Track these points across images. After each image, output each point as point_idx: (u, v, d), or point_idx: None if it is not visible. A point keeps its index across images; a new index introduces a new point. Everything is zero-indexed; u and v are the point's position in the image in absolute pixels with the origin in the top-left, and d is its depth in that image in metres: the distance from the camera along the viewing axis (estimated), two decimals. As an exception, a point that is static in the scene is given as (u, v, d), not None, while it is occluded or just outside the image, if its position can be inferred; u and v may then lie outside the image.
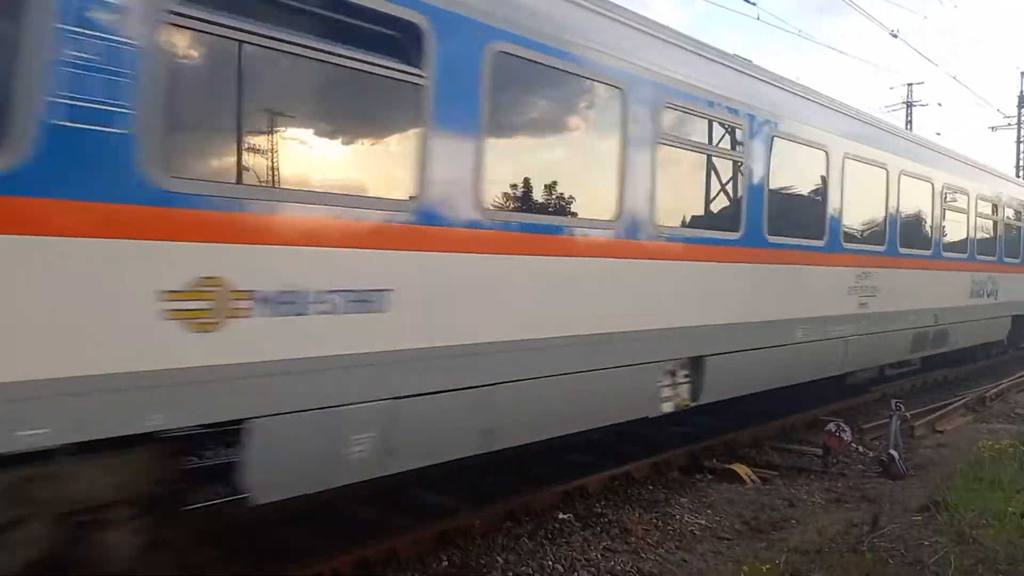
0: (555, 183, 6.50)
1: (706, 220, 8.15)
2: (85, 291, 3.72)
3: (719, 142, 8.18)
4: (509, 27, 5.74)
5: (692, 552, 6.39)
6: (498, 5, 5.70)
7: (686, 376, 7.67)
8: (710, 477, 8.45)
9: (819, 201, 9.78)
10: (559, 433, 6.54)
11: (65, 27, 3.64)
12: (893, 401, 9.54)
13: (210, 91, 4.51)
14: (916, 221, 12.48)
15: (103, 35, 3.75)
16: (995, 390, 14.04)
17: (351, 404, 4.80)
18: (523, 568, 5.90)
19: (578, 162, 6.90)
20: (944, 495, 7.26)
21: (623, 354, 6.77)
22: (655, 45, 7.32)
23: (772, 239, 8.60)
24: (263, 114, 4.68)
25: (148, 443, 4.20)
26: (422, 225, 5.21)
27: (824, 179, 9.82)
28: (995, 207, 15.85)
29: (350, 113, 5.24)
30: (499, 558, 6.04)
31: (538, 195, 6.33)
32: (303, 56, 4.57)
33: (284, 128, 4.75)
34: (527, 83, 6.31)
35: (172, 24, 4.00)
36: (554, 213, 6.38)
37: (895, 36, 22.58)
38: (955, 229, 14.00)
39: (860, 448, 9.62)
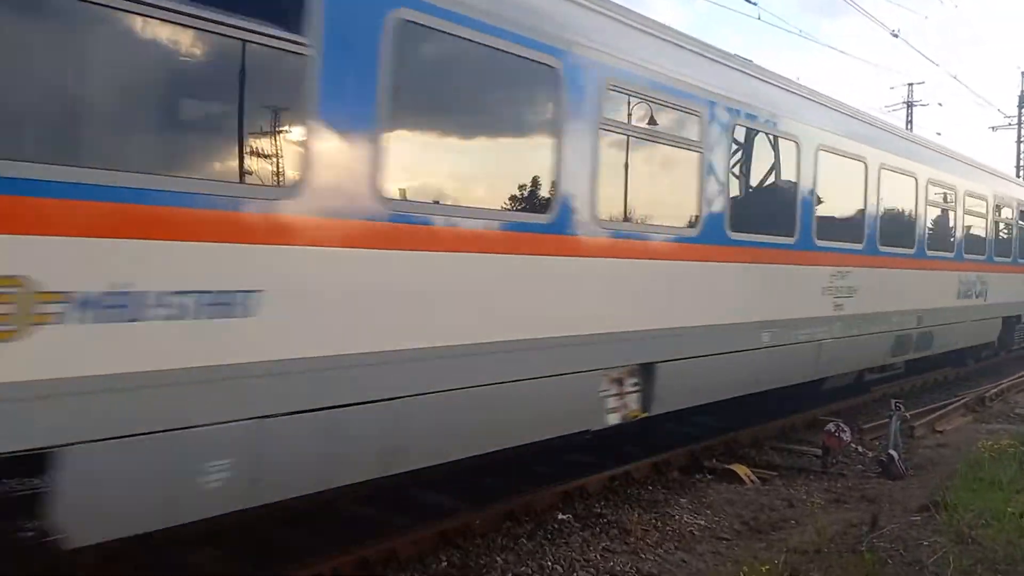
0: (473, 171, 5.97)
1: (658, 215, 7.49)
2: None
3: (674, 129, 7.54)
4: None
5: (691, 552, 6.39)
6: None
7: (635, 385, 7.10)
8: (710, 477, 8.46)
9: (790, 196, 9.19)
10: (479, 451, 5.89)
11: None
12: (893, 401, 9.56)
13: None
14: (898, 218, 11.96)
15: None
16: (995, 390, 14.05)
17: (202, 426, 4.09)
18: (522, 568, 5.91)
19: (502, 149, 6.30)
20: (943, 495, 7.26)
21: (555, 362, 6.13)
22: (596, 19, 6.65)
23: (735, 236, 8.04)
24: (112, 84, 4.03)
25: None
26: (304, 216, 4.49)
27: (795, 173, 9.23)
28: (984, 204, 15.29)
29: (202, 82, 4.42)
30: (498, 558, 6.05)
31: (452, 185, 5.72)
32: (154, 18, 3.90)
33: (127, 100, 4.11)
34: (440, 57, 5.53)
35: None
36: (471, 204, 5.69)
37: (896, 36, 22.62)
38: (941, 227, 13.48)
39: (860, 448, 9.63)
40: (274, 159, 4.54)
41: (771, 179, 9.26)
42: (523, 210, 6.07)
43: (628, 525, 6.75)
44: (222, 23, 4.09)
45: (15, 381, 3.46)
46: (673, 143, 7.53)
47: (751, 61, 9.04)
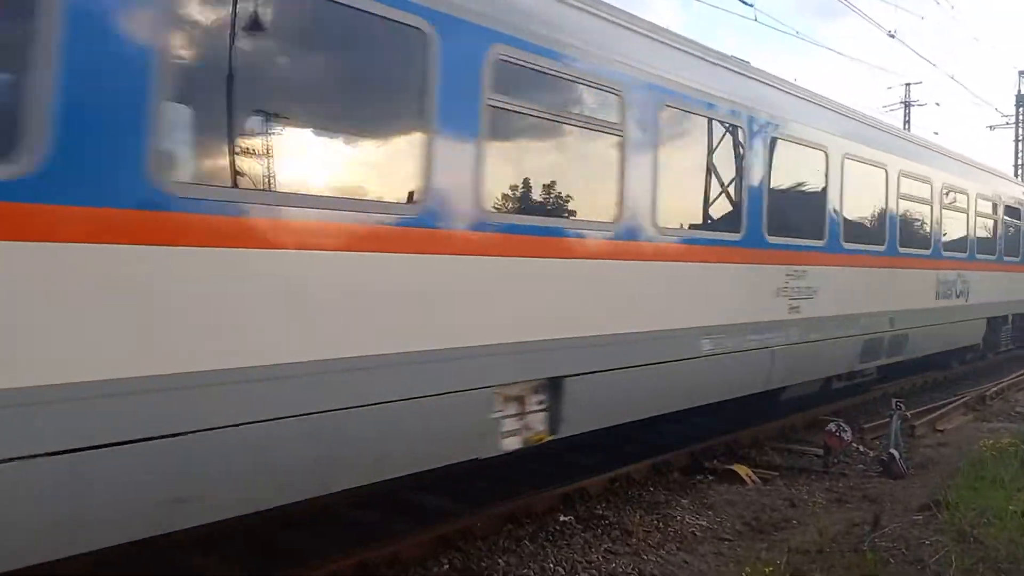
0: (315, 152, 5.09)
1: (567, 207, 6.58)
2: None
3: (588, 110, 6.63)
4: None
5: (693, 553, 6.38)
6: None
7: (540, 403, 6.19)
8: (711, 478, 8.45)
9: (736, 187, 8.30)
10: (314, 494, 4.89)
11: None
12: (894, 400, 9.56)
13: None
14: (865, 213, 11.09)
15: None
16: (995, 389, 14.05)
17: None
18: (524, 571, 5.90)
19: (351, 122, 5.28)
20: (945, 494, 7.26)
21: (419, 381, 5.13)
22: None
23: (667, 231, 7.21)
24: None
25: None
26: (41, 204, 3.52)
27: (742, 162, 8.33)
28: (966, 199, 14.40)
29: None
30: (500, 560, 6.04)
31: (278, 166, 4.64)
32: None
33: None
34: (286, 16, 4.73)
35: None
36: (309, 192, 4.72)
37: (893, 36, 22.55)
38: (916, 223, 12.60)
39: (861, 448, 9.62)
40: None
41: (713, 168, 8.30)
42: (379, 198, 5.16)
43: (630, 526, 6.75)
44: None
45: None
46: (584, 125, 6.60)
47: (678, 35, 7.93)
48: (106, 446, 3.71)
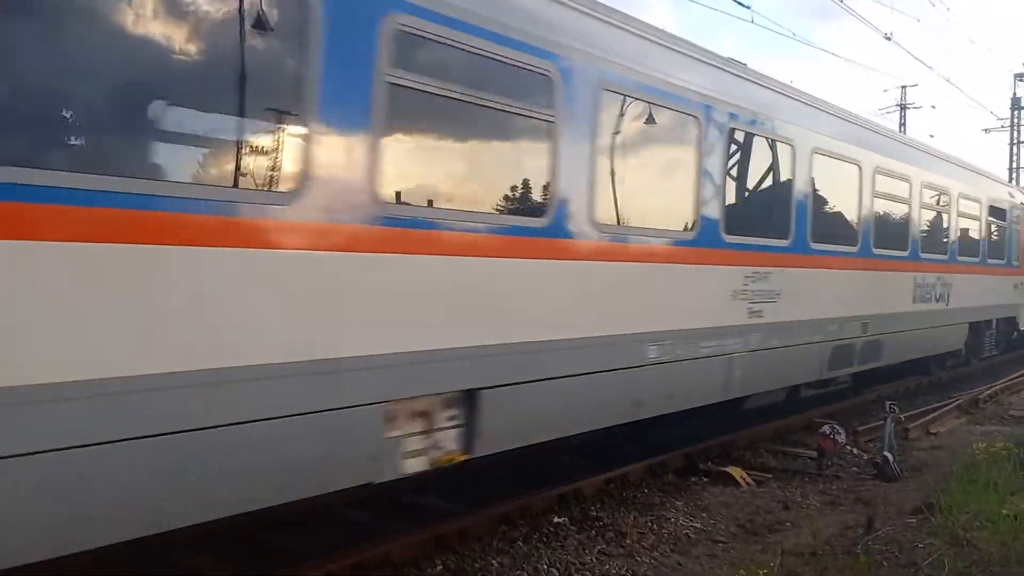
0: (164, 129, 4.40)
1: (483, 200, 5.93)
2: None
3: (512, 93, 5.86)
4: None
5: (687, 555, 6.39)
6: None
7: (452, 419, 5.55)
8: (705, 480, 8.45)
9: (687, 183, 7.61)
10: (163, 528, 4.26)
11: None
12: (887, 403, 9.59)
13: None
14: (836, 212, 10.45)
15: None
16: (989, 392, 14.09)
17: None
18: (518, 572, 5.90)
19: (212, 96, 4.47)
20: (938, 497, 7.27)
21: (283, 397, 4.44)
22: None
23: (606, 229, 6.61)
24: None
25: None
26: None
27: (694, 154, 7.66)
28: (947, 198, 13.74)
29: None
30: (494, 561, 6.04)
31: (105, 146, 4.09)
32: None
33: None
34: None
35: None
36: (152, 179, 4.08)
37: (889, 39, 22.58)
38: (892, 222, 11.90)
39: (854, 450, 9.64)
40: None
41: (663, 160, 7.76)
42: (248, 187, 4.42)
43: (624, 528, 6.75)
44: None
45: None
46: (509, 109, 5.85)
47: (614, 9, 7.09)
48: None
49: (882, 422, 9.28)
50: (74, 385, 3.65)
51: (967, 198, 14.60)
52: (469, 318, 5.53)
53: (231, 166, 4.49)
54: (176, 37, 4.18)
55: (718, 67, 8.34)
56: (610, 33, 6.87)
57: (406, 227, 5.11)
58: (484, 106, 5.61)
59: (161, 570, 5.40)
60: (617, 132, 6.89)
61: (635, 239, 6.98)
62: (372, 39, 4.86)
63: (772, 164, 9.06)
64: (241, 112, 4.53)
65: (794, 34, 57.68)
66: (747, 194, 8.77)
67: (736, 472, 8.53)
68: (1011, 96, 39.09)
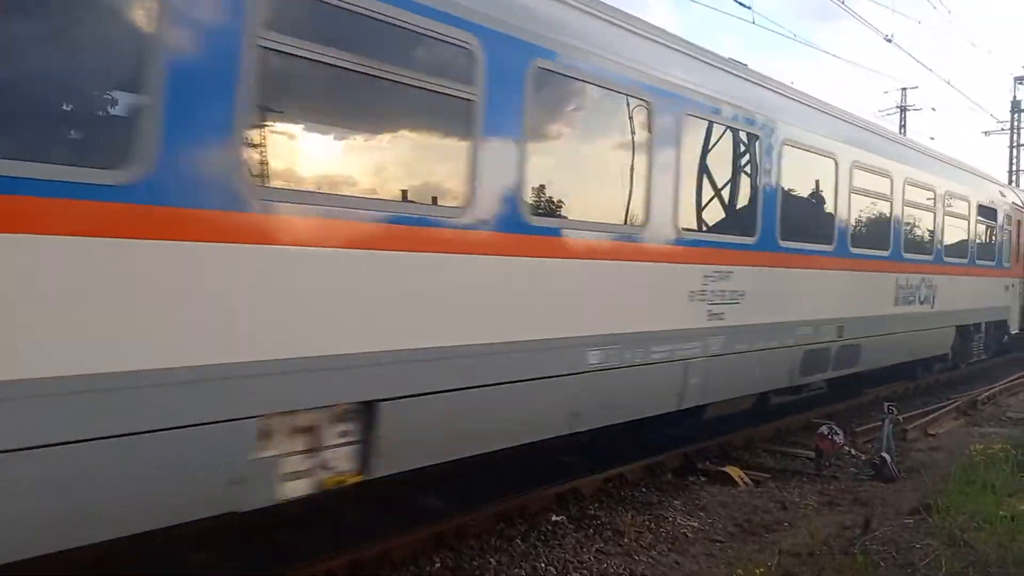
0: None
1: (389, 189, 5.28)
2: None
3: (425, 68, 5.21)
4: None
5: (685, 554, 6.40)
6: None
7: (345, 435, 4.89)
8: (703, 479, 8.47)
9: (636, 173, 6.97)
10: None
11: None
12: (886, 404, 9.63)
13: None
14: (811, 209, 9.91)
15: None
16: (987, 394, 14.13)
17: None
18: (516, 570, 5.91)
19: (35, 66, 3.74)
20: (936, 498, 7.29)
21: (112, 412, 3.76)
22: None
23: (535, 222, 5.99)
24: None
25: None
26: None
27: (645, 141, 7.01)
28: (932, 196, 13.10)
29: None
30: (492, 560, 6.05)
31: None
32: None
33: None
34: None
35: None
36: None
37: (889, 41, 22.58)
38: (872, 220, 11.31)
39: (852, 451, 9.65)
40: None
41: (607, 146, 7.14)
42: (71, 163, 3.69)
43: (622, 527, 6.76)
44: None
45: None
46: (422, 84, 5.16)
47: None
48: None
49: (880, 423, 9.29)
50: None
51: (954, 196, 14.08)
52: (366, 321, 4.86)
53: None
54: None
55: (670, 47, 7.64)
56: (553, 5, 6.30)
57: (303, 216, 4.52)
58: (400, 81, 5.04)
59: (160, 568, 5.40)
60: (553, 114, 6.40)
61: (572, 233, 6.35)
62: None
63: (736, 155, 8.51)
64: None
65: (795, 35, 57.83)
66: (708, 187, 8.12)
67: (734, 472, 8.54)
68: (1011, 99, 39.22)
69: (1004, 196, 17.44)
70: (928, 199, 13.01)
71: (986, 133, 48.18)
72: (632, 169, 6.98)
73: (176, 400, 3.99)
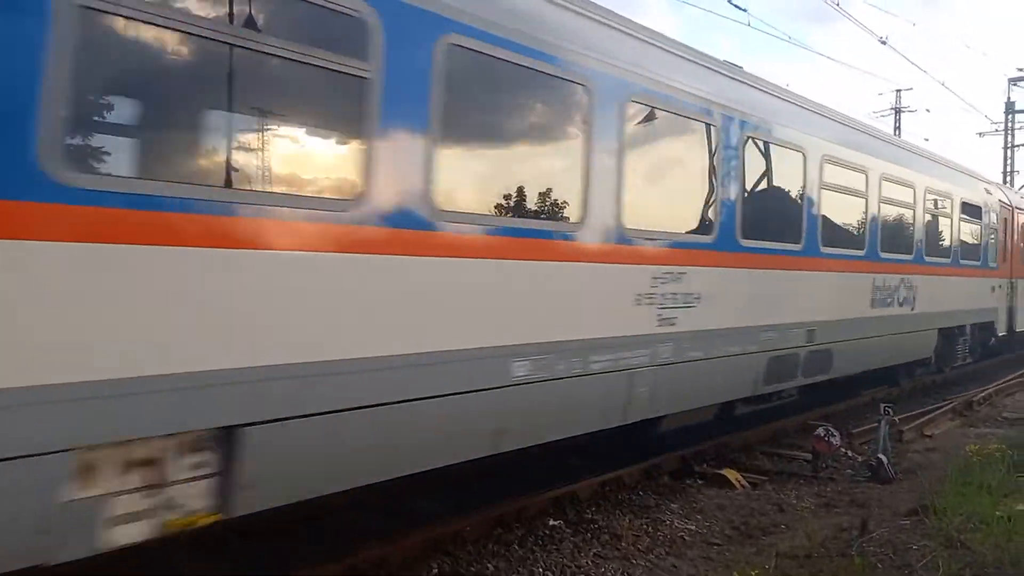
0: None
1: (264, 181, 4.56)
2: None
3: (304, 35, 4.55)
4: None
5: (682, 558, 6.40)
6: None
7: (199, 467, 4.15)
8: (700, 482, 8.47)
9: (573, 167, 6.36)
10: None
11: None
12: (882, 405, 9.63)
13: None
14: (777, 207, 9.36)
15: None
16: (983, 394, 14.16)
17: None
18: (513, 575, 5.90)
19: None
20: (932, 499, 7.30)
21: None
22: None
23: (452, 219, 5.37)
24: None
25: None
26: None
27: (581, 128, 6.42)
28: (912, 194, 12.50)
29: None
30: (489, 564, 6.04)
31: None
32: None
33: None
34: None
35: None
36: None
37: (884, 43, 22.70)
38: (846, 219, 10.80)
39: (849, 453, 9.65)
40: None
41: (536, 133, 6.60)
42: None
43: (619, 531, 6.76)
44: None
45: None
46: (305, 59, 4.49)
47: None
48: None
49: (876, 424, 9.30)
50: None
51: (936, 194, 13.47)
52: (222, 331, 4.12)
53: None
54: None
55: (612, 26, 6.94)
56: None
57: (138, 209, 3.78)
58: (275, 54, 4.42)
59: (157, 571, 5.38)
60: (471, 98, 5.81)
61: (493, 232, 5.71)
62: None
63: (691, 148, 7.91)
64: None
65: (790, 37, 57.91)
66: (658, 182, 7.60)
67: (731, 474, 8.55)
68: (1005, 100, 39.25)
69: (991, 194, 16.92)
70: (907, 196, 12.46)
71: (980, 134, 48.40)
72: (568, 161, 6.47)
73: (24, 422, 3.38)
